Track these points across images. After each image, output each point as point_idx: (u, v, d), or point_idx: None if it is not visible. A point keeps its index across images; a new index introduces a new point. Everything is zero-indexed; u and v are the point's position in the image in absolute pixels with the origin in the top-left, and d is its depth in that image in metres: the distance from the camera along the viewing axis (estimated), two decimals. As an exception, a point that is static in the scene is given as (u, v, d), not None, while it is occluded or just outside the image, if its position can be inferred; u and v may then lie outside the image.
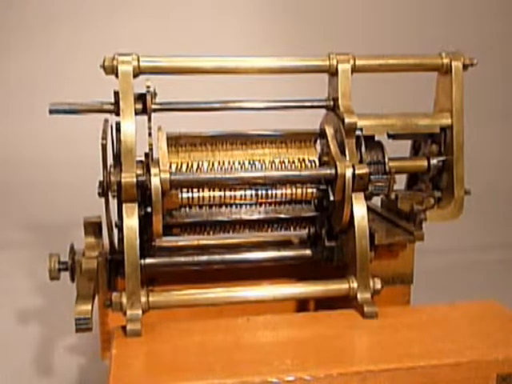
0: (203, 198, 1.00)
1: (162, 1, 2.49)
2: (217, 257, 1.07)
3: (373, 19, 2.58)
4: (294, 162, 1.05)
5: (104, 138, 0.93)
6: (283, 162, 1.04)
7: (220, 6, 2.52)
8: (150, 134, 0.97)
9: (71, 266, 0.99)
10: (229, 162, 1.03)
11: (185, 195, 1.00)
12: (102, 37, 2.38)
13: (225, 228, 1.05)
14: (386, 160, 1.08)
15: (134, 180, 0.92)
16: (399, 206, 1.14)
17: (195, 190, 1.00)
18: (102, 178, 0.96)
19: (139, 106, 0.99)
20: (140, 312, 0.91)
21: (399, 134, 1.13)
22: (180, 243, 1.14)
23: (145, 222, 0.96)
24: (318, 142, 1.08)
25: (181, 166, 1.01)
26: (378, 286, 0.99)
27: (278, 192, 1.02)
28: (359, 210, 0.99)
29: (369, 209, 1.01)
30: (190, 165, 1.01)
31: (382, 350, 0.87)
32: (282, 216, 1.05)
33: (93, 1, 2.45)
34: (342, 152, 1.01)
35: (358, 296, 0.97)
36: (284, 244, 1.15)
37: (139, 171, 0.94)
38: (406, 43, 2.25)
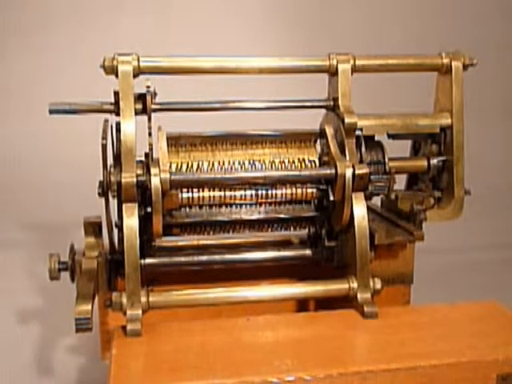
0: (203, 197, 1.00)
1: (162, 1, 2.49)
2: (217, 257, 1.07)
3: (373, 19, 2.58)
4: (293, 162, 1.05)
5: (104, 137, 0.93)
6: (283, 161, 1.04)
7: (220, 6, 2.52)
8: (150, 134, 0.97)
9: (71, 266, 0.99)
10: (229, 162, 1.03)
11: (185, 195, 1.00)
12: (102, 37, 2.37)
13: (225, 228, 1.05)
14: (386, 160, 1.08)
15: (134, 180, 0.92)
16: (399, 206, 1.14)
17: (195, 190, 1.00)
18: (102, 178, 0.96)
19: (139, 106, 0.99)
20: (140, 312, 0.91)
21: (399, 134, 1.13)
22: (180, 243, 1.14)
23: (145, 221, 0.96)
24: (318, 141, 1.08)
25: (181, 166, 1.01)
26: (378, 286, 0.99)
27: (278, 192, 1.02)
28: (359, 210, 0.99)
29: (369, 209, 1.01)
30: (189, 165, 1.01)
31: (382, 350, 0.86)
32: (282, 216, 1.05)
33: (92, 1, 2.45)
34: (342, 152, 1.01)
35: (358, 296, 0.98)
36: (284, 244, 1.15)
37: (139, 171, 0.94)
38: (406, 43, 2.26)
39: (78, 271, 0.98)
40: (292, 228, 1.08)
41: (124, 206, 0.93)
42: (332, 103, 1.08)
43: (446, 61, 1.12)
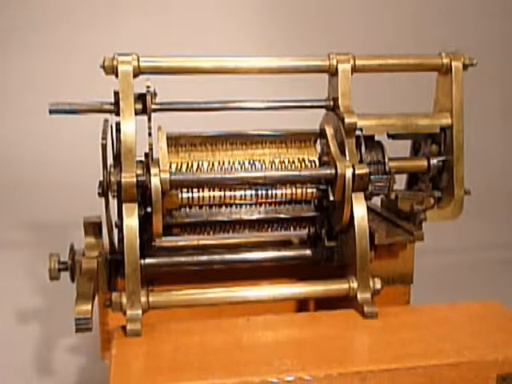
0: (203, 198, 1.00)
1: (161, 1, 2.49)
2: (217, 257, 1.07)
3: (372, 19, 2.58)
4: (293, 162, 1.05)
5: (104, 138, 0.93)
6: (283, 161, 1.04)
7: (220, 5, 2.52)
8: (150, 134, 0.97)
9: (71, 266, 0.99)
10: (229, 162, 1.03)
11: (185, 195, 1.00)
12: (101, 37, 2.37)
13: (225, 228, 1.05)
14: (386, 160, 1.08)
15: (134, 180, 0.92)
16: (399, 206, 1.14)
17: (195, 190, 1.00)
18: (101, 178, 0.96)
19: (139, 106, 0.99)
20: (140, 312, 0.91)
21: (399, 134, 1.13)
22: (180, 243, 1.14)
23: (145, 222, 0.96)
24: (318, 141, 1.08)
25: (181, 166, 1.01)
26: (378, 286, 0.99)
27: (278, 192, 1.02)
28: (359, 210, 0.99)
29: (369, 209, 1.01)
30: (189, 165, 1.01)
31: (382, 350, 0.86)
32: (282, 216, 1.05)
33: (92, 1, 2.45)
34: (342, 152, 1.01)
35: (358, 296, 0.97)
36: (284, 244, 1.15)
37: (139, 171, 0.94)
38: (405, 43, 2.26)
39: (77, 271, 0.98)
40: (292, 228, 1.08)
41: (124, 206, 0.93)
42: (332, 103, 1.08)
43: (445, 61, 1.12)
